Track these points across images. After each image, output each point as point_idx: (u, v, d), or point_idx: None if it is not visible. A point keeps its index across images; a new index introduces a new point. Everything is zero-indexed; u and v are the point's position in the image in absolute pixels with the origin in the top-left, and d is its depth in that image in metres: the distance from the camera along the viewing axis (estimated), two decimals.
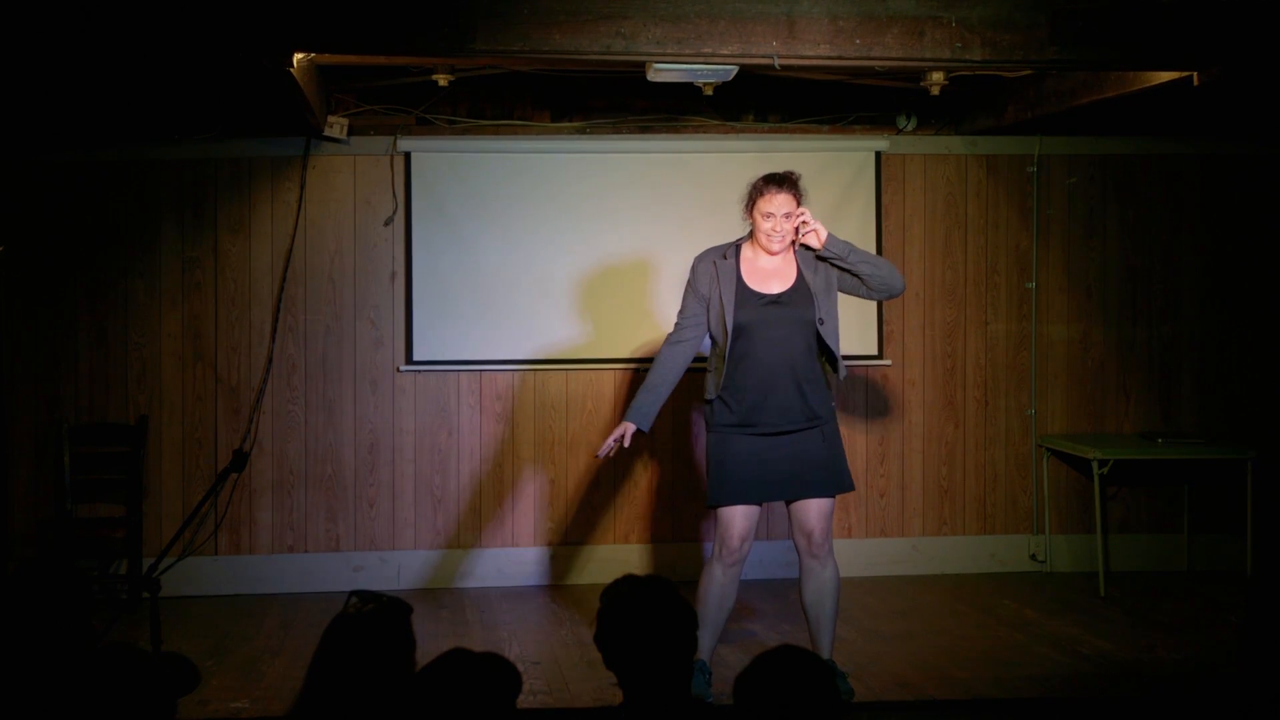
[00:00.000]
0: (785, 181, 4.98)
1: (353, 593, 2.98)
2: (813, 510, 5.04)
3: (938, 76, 6.09)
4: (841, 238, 5.11)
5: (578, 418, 7.08)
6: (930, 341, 7.28)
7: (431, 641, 5.78)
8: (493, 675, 2.76)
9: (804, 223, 4.97)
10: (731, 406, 5.01)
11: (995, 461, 7.32)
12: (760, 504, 5.05)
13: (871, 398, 7.23)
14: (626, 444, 5.12)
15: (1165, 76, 5.44)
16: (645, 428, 5.12)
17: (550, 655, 5.74)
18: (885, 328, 7.21)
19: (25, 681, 2.94)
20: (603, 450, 5.13)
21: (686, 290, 5.14)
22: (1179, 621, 6.27)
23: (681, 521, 7.09)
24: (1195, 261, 7.39)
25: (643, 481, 7.10)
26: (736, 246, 5.10)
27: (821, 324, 5.00)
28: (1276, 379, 7.35)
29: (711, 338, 5.10)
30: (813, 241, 4.99)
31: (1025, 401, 7.31)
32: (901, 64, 5.19)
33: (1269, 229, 7.35)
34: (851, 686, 5.11)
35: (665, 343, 5.17)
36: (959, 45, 4.97)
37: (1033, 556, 7.29)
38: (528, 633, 6.15)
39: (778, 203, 4.94)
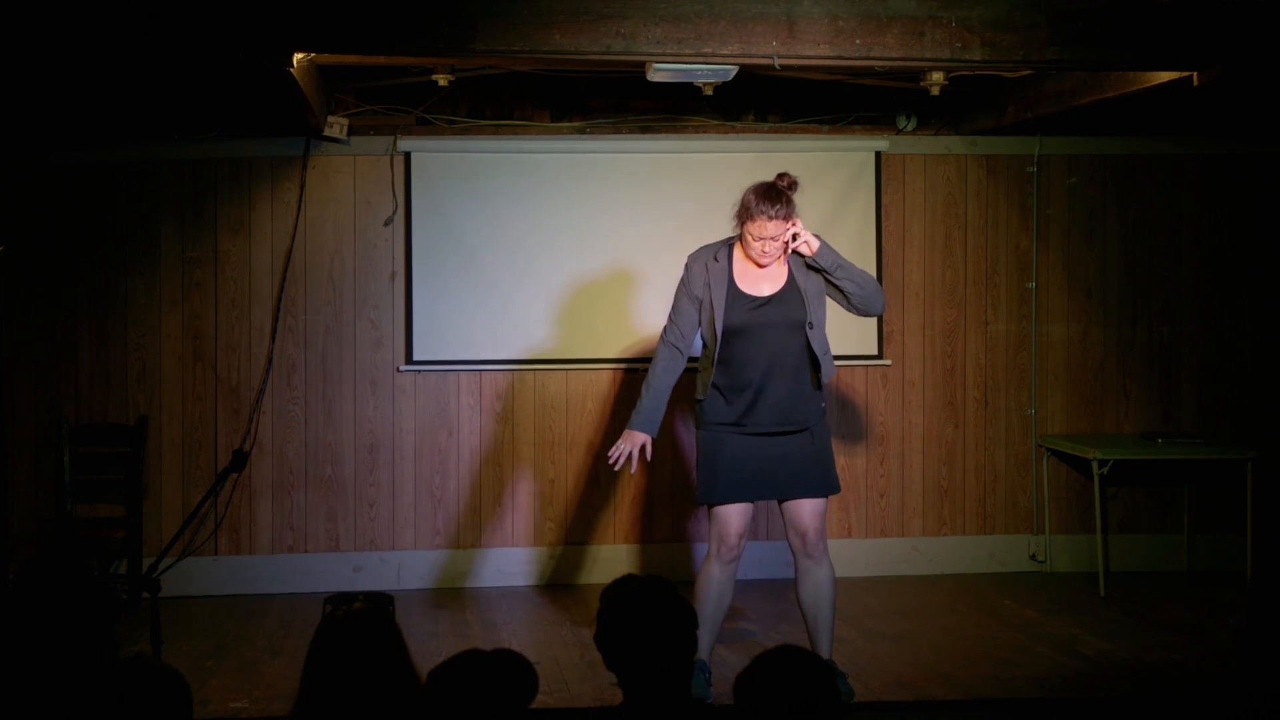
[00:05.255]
0: (778, 202, 4.88)
1: (326, 599, 2.97)
2: (806, 510, 5.04)
3: (938, 76, 6.08)
4: (841, 240, 5.15)
5: (578, 418, 7.08)
6: (930, 341, 7.28)
7: (431, 641, 5.79)
8: (511, 677, 2.77)
9: (795, 235, 4.95)
10: (721, 407, 5.01)
11: (995, 461, 7.32)
12: (753, 502, 5.06)
13: (871, 398, 7.23)
14: (649, 456, 5.13)
15: (1165, 76, 5.44)
16: (654, 434, 5.13)
17: (550, 655, 5.74)
18: (885, 328, 7.21)
19: (45, 681, 2.94)
20: (617, 459, 5.08)
21: (679, 289, 5.12)
22: (1179, 621, 6.27)
23: (682, 522, 7.09)
24: (1195, 261, 7.39)
25: (643, 482, 7.10)
26: (729, 246, 5.08)
27: (811, 328, 4.99)
28: (1276, 379, 7.35)
29: (702, 339, 5.11)
30: (805, 250, 4.98)
31: (1025, 401, 7.31)
32: (901, 64, 5.18)
33: (1269, 229, 7.35)
34: (851, 687, 5.11)
35: (660, 344, 5.15)
36: (959, 45, 4.97)
37: (1033, 556, 7.29)
38: (528, 633, 6.15)
39: (769, 230, 4.88)
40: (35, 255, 6.74)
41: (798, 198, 4.98)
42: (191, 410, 6.90)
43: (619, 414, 7.02)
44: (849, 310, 5.11)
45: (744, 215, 4.94)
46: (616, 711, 3.11)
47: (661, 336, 5.17)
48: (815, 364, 5.04)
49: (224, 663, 5.68)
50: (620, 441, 5.10)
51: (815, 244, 4.96)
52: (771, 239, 4.90)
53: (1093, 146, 7.31)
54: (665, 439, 7.02)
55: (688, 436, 7.01)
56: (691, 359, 5.21)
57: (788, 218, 4.90)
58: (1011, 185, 7.31)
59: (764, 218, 4.87)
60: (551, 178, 7.02)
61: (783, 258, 5.02)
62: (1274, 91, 6.16)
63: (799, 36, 4.91)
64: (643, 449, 5.09)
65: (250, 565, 6.91)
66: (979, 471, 7.31)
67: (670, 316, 5.14)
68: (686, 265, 5.12)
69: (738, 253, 5.05)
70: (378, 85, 6.75)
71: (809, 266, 5.02)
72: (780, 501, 5.09)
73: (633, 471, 5.19)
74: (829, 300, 5.11)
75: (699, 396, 5.07)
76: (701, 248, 5.14)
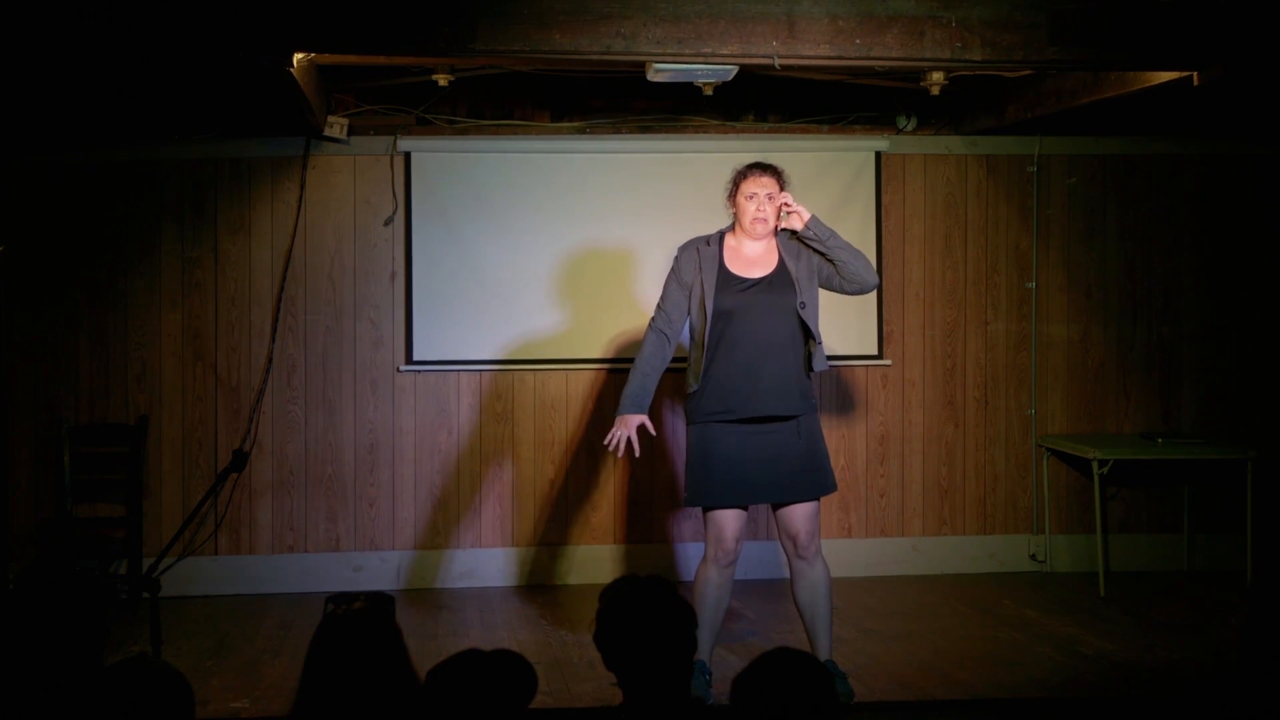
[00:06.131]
0: (769, 167, 5.08)
1: (328, 599, 2.97)
2: (797, 514, 5.04)
3: (938, 76, 6.09)
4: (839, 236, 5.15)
5: (578, 418, 7.08)
6: (930, 341, 7.28)
7: (431, 641, 5.79)
8: (510, 677, 2.77)
9: (786, 204, 5.02)
10: (712, 393, 5.00)
11: (995, 461, 7.32)
12: (746, 506, 5.06)
13: (871, 398, 7.23)
14: (653, 432, 5.15)
15: (1165, 76, 5.44)
16: (645, 412, 5.14)
17: (550, 655, 5.74)
18: (885, 328, 7.21)
19: (45, 686, 2.94)
20: (615, 446, 5.10)
21: (669, 277, 5.16)
22: (1179, 621, 6.27)
23: (686, 522, 7.09)
24: (1195, 261, 7.39)
25: (645, 481, 7.10)
26: (720, 235, 5.15)
27: (803, 307, 5.02)
28: (1276, 379, 7.35)
29: (691, 328, 5.12)
30: (795, 223, 5.04)
31: (1025, 401, 7.31)
32: (901, 64, 5.19)
33: (1269, 229, 7.35)
34: (851, 687, 5.11)
35: (649, 329, 5.18)
36: (959, 45, 4.98)
37: (1033, 556, 7.29)
38: (528, 632, 6.15)
39: (762, 183, 5.03)
40: (35, 255, 6.74)
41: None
42: (191, 410, 6.90)
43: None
44: (842, 288, 5.12)
45: (737, 180, 5.10)
46: (616, 711, 3.11)
47: (650, 323, 5.19)
48: (806, 352, 5.06)
49: (224, 663, 5.68)
50: (614, 428, 5.12)
51: (806, 214, 5.05)
52: (767, 195, 5.01)
53: (1093, 146, 7.31)
54: (670, 438, 7.02)
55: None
56: (681, 359, 5.23)
57: (778, 180, 5.05)
58: (1011, 185, 7.32)
59: (757, 171, 5.06)
60: (551, 178, 7.02)
61: (774, 237, 5.06)
62: (1274, 91, 6.16)
63: (799, 36, 4.91)
64: (642, 429, 5.10)
65: (250, 565, 6.91)
66: (979, 471, 7.31)
67: (659, 304, 5.18)
68: (676, 254, 5.18)
69: (729, 240, 5.13)
70: (378, 85, 6.75)
71: (799, 240, 5.07)
72: (773, 505, 5.11)
73: (637, 455, 5.19)
74: (824, 301, 5.14)
75: (691, 388, 5.07)
76: (692, 238, 5.20)
